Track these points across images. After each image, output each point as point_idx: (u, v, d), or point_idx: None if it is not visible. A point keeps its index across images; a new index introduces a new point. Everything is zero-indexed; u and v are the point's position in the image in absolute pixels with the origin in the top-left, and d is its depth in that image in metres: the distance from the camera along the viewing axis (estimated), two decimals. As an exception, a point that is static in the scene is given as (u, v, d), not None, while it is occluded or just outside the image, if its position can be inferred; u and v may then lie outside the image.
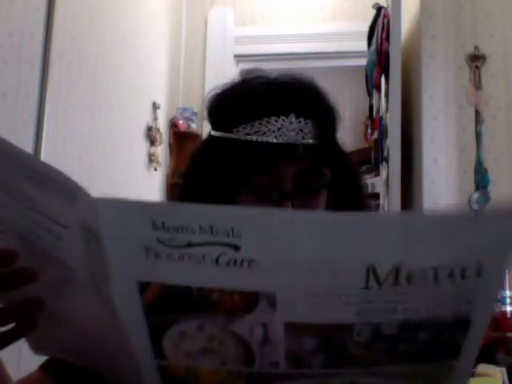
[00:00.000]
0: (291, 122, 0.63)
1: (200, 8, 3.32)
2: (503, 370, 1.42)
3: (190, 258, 0.37)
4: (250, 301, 0.39)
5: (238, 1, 3.32)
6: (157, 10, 2.89)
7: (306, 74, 0.70)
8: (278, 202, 0.62)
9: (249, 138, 0.63)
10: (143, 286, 0.39)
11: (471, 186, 2.25)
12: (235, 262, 0.37)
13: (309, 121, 0.64)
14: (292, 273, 0.37)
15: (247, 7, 3.32)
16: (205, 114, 0.71)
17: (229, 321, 0.40)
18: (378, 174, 2.43)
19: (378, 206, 2.36)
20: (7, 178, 0.41)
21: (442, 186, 2.28)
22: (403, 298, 0.38)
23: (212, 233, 0.36)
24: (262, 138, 0.62)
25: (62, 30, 1.83)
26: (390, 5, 2.29)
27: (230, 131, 0.64)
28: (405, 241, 0.36)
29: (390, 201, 2.09)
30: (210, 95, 0.70)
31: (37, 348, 0.51)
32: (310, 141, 0.64)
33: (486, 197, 2.23)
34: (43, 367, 0.62)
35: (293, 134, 0.63)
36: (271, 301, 0.38)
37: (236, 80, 0.70)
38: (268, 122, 0.63)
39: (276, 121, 0.63)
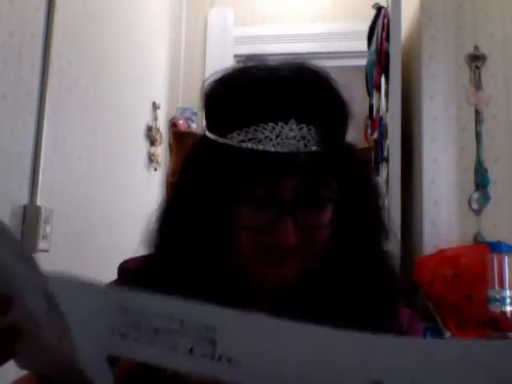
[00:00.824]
0: (291, 129, 0.55)
1: (200, 8, 3.32)
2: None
3: (161, 343, 0.34)
4: None
5: (238, 1, 3.31)
6: (157, 9, 2.89)
7: (312, 62, 0.62)
8: (277, 217, 0.55)
9: (243, 145, 0.55)
10: (113, 358, 0.36)
11: (471, 185, 2.25)
12: (212, 356, 0.33)
13: (311, 126, 0.56)
14: (281, 381, 0.33)
15: (247, 7, 3.32)
16: (201, 104, 0.64)
17: None
18: (378, 174, 2.43)
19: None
20: None
21: (442, 186, 2.28)
22: None
23: (182, 326, 0.33)
24: (258, 147, 0.55)
25: (62, 29, 1.83)
26: (390, 5, 2.29)
27: (224, 136, 0.57)
28: (418, 367, 0.32)
29: (390, 201, 2.09)
30: (206, 85, 0.63)
31: (20, 365, 0.50)
32: (314, 148, 0.56)
33: (486, 197, 2.23)
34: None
35: (293, 141, 0.55)
36: None
37: (234, 70, 0.62)
38: (264, 128, 0.55)
39: (274, 127, 0.55)
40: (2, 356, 0.42)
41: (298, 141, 0.55)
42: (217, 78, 0.62)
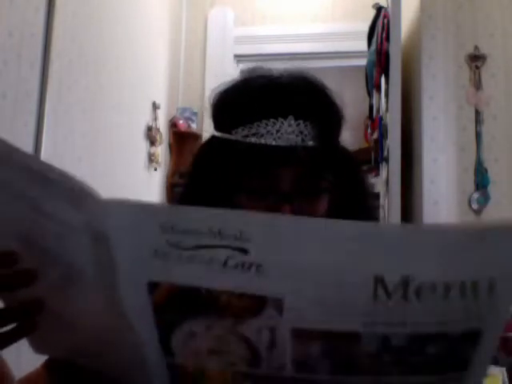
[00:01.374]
0: (290, 125, 0.62)
1: (200, 8, 3.32)
2: (503, 370, 1.42)
3: (199, 259, 0.37)
4: (257, 304, 0.39)
5: (238, 1, 3.31)
6: (157, 9, 2.89)
7: (312, 72, 0.68)
8: (277, 206, 0.60)
9: (247, 139, 0.62)
10: (153, 286, 0.39)
11: (471, 186, 2.25)
12: (243, 265, 0.36)
13: (308, 123, 0.63)
14: (299, 280, 0.37)
15: (247, 7, 3.32)
16: (209, 112, 0.70)
17: (236, 323, 0.40)
18: (377, 174, 2.43)
19: (378, 206, 2.35)
20: (10, 179, 0.41)
21: (442, 186, 2.28)
22: (412, 311, 0.37)
23: (220, 236, 0.36)
24: (260, 141, 0.61)
25: (62, 29, 1.83)
26: (390, 5, 2.29)
27: (229, 132, 0.64)
28: (414, 254, 0.36)
29: (390, 201, 2.09)
30: (213, 93, 0.69)
31: (37, 347, 0.51)
32: (310, 143, 0.62)
33: (486, 197, 2.23)
34: (45, 365, 0.62)
35: (292, 136, 0.61)
36: (278, 306, 0.38)
37: (238, 78, 0.69)
38: (266, 124, 0.62)
39: (274, 123, 0.62)
40: (23, 328, 0.44)
41: (296, 135, 0.62)
42: (222, 88, 0.69)
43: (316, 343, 0.39)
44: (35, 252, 0.43)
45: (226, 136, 0.64)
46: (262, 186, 0.62)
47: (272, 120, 0.62)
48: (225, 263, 0.36)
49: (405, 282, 0.36)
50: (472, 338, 0.39)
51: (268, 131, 0.61)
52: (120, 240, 0.37)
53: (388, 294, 0.36)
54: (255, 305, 0.39)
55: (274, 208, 0.60)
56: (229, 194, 0.64)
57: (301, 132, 0.62)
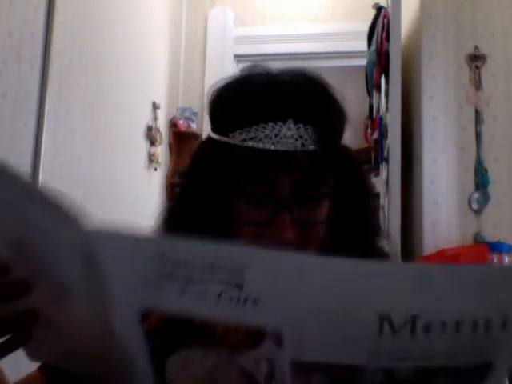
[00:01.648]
0: (289, 129, 0.59)
1: (200, 8, 3.32)
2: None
3: (191, 292, 0.36)
4: (255, 336, 0.37)
5: (238, 1, 3.31)
6: (157, 9, 2.89)
7: (312, 70, 0.65)
8: (275, 213, 0.58)
9: (244, 144, 0.59)
10: (145, 313, 0.38)
11: (471, 186, 2.25)
12: (238, 299, 0.35)
13: (308, 126, 0.59)
14: (300, 316, 0.36)
15: (247, 7, 3.32)
16: (207, 110, 0.68)
17: (233, 354, 0.39)
18: (377, 174, 2.43)
19: (378, 207, 2.36)
20: (6, 196, 0.41)
21: (442, 186, 2.28)
22: (419, 346, 0.36)
23: (213, 270, 0.35)
24: (258, 145, 0.58)
25: (62, 29, 1.83)
26: (390, 5, 2.29)
27: (227, 135, 0.61)
28: (423, 293, 0.34)
29: (390, 201, 2.09)
30: (211, 90, 0.66)
31: (31, 355, 0.51)
32: (311, 147, 0.59)
33: (486, 197, 2.23)
34: (41, 368, 0.62)
35: (291, 140, 0.58)
36: (278, 338, 0.37)
37: (237, 76, 0.66)
38: (264, 128, 0.59)
39: (273, 127, 0.59)
40: (18, 339, 0.44)
41: (296, 140, 0.59)
42: (221, 85, 0.66)
43: (316, 375, 0.38)
44: (26, 261, 0.43)
45: (224, 139, 0.61)
46: (261, 192, 0.59)
47: (271, 124, 0.59)
48: (219, 297, 0.35)
49: (413, 320, 0.34)
50: (483, 370, 0.38)
51: (266, 135, 0.59)
52: (110, 268, 0.36)
53: (394, 330, 0.35)
54: (253, 336, 0.37)
55: (272, 215, 0.58)
56: (227, 198, 0.61)
57: (300, 136, 0.59)
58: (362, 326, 0.35)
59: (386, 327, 0.35)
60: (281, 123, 0.59)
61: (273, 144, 0.58)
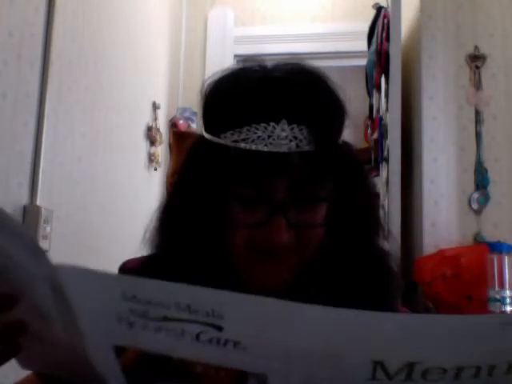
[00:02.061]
0: (283, 129, 0.56)
1: (200, 8, 3.32)
2: None
3: (168, 331, 0.34)
4: (238, 376, 0.35)
5: (238, 1, 3.31)
6: (157, 9, 2.89)
7: (308, 62, 0.63)
8: (270, 215, 0.56)
9: (236, 145, 0.56)
10: (119, 349, 0.37)
11: (471, 186, 2.25)
12: (218, 341, 0.33)
13: (303, 126, 0.56)
14: (286, 360, 0.33)
15: (247, 7, 3.32)
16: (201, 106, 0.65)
17: None
18: (377, 174, 2.43)
19: (379, 207, 2.35)
20: None
21: (442, 186, 2.28)
22: None
23: (189, 311, 0.33)
24: (251, 146, 0.55)
25: (62, 29, 1.82)
26: (390, 5, 2.29)
27: (219, 136, 0.59)
28: (419, 343, 0.32)
29: (390, 201, 2.09)
30: (205, 86, 0.64)
31: (23, 364, 0.51)
32: (306, 148, 0.56)
33: (486, 197, 2.23)
34: (36, 372, 0.62)
35: (285, 142, 0.55)
36: (262, 381, 0.34)
37: (231, 71, 0.63)
38: (257, 128, 0.56)
39: (266, 128, 0.56)
40: (7, 351, 0.44)
41: (290, 141, 0.56)
42: (214, 79, 0.63)
43: None
44: (9, 281, 0.42)
45: (216, 140, 0.59)
46: (254, 195, 0.57)
47: (263, 124, 0.56)
48: (197, 337, 0.33)
49: (409, 367, 0.33)
50: None
51: (259, 136, 0.56)
52: (79, 302, 0.35)
53: (389, 376, 0.33)
54: (235, 377, 0.35)
55: (267, 218, 0.56)
56: (220, 201, 0.59)
57: (295, 137, 0.56)
58: (353, 371, 0.33)
59: (380, 373, 0.33)
60: (274, 123, 0.56)
61: (265, 145, 0.55)
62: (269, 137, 0.56)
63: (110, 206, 2.24)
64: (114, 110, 2.32)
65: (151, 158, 2.77)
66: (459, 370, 0.33)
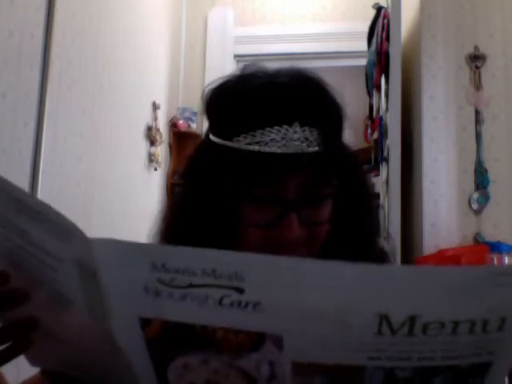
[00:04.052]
0: (295, 132, 0.59)
1: (200, 8, 3.33)
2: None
3: (192, 298, 0.36)
4: (255, 339, 0.38)
5: (238, 1, 3.32)
6: (157, 10, 2.89)
7: (307, 69, 0.65)
8: (282, 214, 0.59)
9: (250, 148, 0.59)
10: (145, 320, 0.38)
11: (471, 186, 2.25)
12: (239, 303, 0.35)
13: (314, 128, 0.60)
14: (300, 320, 0.36)
15: (247, 7, 3.32)
16: (203, 110, 0.67)
17: (234, 358, 0.39)
18: (377, 174, 2.43)
19: (377, 206, 2.35)
20: (1, 212, 0.41)
21: (442, 186, 2.28)
22: (418, 347, 0.36)
23: (214, 276, 0.35)
24: (265, 149, 0.58)
25: (62, 29, 1.83)
26: (389, 5, 2.29)
27: (230, 139, 0.60)
28: (420, 295, 0.35)
29: (390, 201, 2.09)
30: (208, 92, 0.65)
31: (32, 360, 0.51)
32: (316, 149, 0.59)
33: (486, 197, 2.23)
34: (43, 371, 0.62)
35: (297, 143, 0.59)
36: (278, 341, 0.37)
37: (234, 77, 0.65)
38: (270, 131, 0.59)
39: (279, 130, 0.59)
40: (17, 347, 0.45)
41: (302, 142, 0.59)
42: (217, 85, 0.65)
43: (317, 375, 0.39)
44: (22, 273, 0.43)
45: (228, 144, 0.61)
46: (267, 194, 0.60)
47: (276, 127, 0.59)
48: (220, 301, 0.36)
49: (411, 321, 0.35)
50: (481, 368, 0.38)
51: (272, 139, 0.59)
52: (108, 278, 0.36)
53: (393, 331, 0.35)
54: (253, 340, 0.38)
55: (280, 216, 0.58)
56: (231, 202, 0.61)
57: (306, 138, 0.59)
58: (361, 327, 0.36)
59: (385, 328, 0.35)
60: (287, 126, 0.59)
61: (279, 147, 0.58)
62: (282, 139, 0.59)
63: (109, 206, 2.24)
64: (114, 110, 2.32)
65: (151, 158, 2.77)
66: (456, 325, 0.35)
